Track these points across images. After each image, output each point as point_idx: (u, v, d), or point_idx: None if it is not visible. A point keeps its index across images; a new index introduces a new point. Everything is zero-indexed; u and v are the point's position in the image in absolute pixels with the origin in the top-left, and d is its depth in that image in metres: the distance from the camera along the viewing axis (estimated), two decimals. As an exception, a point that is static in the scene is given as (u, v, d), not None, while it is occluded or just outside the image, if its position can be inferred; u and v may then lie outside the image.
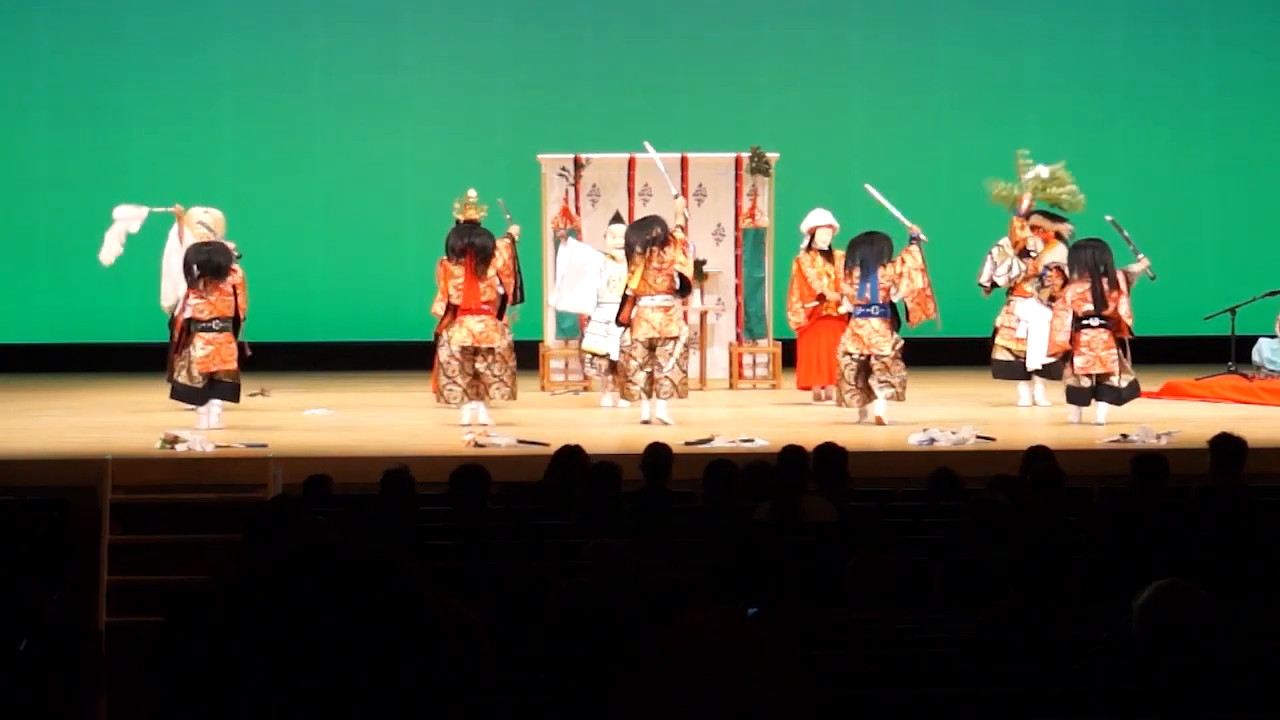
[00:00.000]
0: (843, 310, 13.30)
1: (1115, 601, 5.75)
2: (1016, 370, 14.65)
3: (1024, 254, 14.58)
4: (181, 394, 12.76)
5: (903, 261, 13.01)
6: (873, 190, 13.96)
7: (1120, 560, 7.14)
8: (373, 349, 18.23)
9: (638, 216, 15.68)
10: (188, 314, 12.70)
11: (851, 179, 17.83)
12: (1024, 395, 14.71)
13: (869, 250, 13.05)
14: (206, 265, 12.65)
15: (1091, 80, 19.05)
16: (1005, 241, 14.68)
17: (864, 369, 12.99)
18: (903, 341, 13.04)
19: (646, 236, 13.00)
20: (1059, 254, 14.40)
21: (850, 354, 13.02)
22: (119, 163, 18.46)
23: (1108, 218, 13.87)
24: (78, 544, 10.08)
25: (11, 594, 6.54)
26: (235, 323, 12.78)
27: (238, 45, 18.70)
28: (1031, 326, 14.45)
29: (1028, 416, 14.20)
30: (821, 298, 14.75)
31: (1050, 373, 14.47)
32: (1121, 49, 19.17)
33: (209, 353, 12.61)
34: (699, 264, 15.26)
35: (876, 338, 12.94)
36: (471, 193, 14.49)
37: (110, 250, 14.28)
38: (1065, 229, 14.59)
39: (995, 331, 14.77)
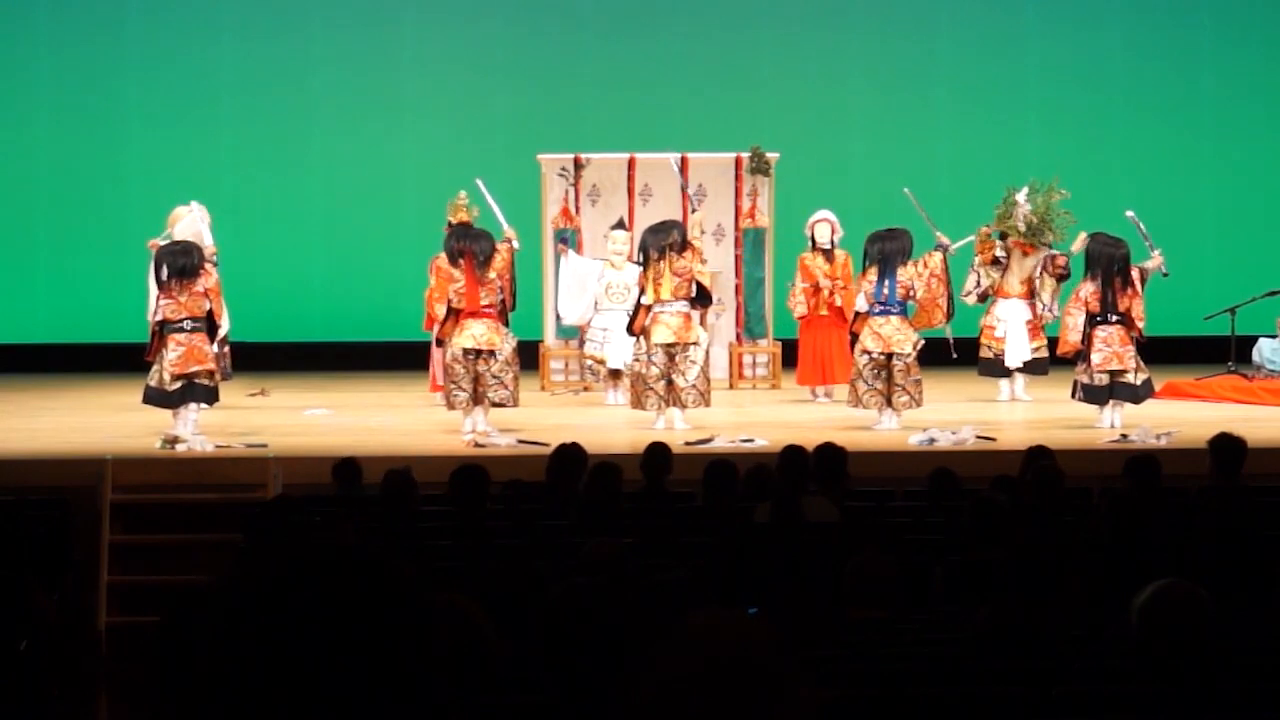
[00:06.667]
0: (858, 308, 13.03)
1: (1115, 601, 5.74)
2: (998, 368, 15.09)
3: (994, 263, 15.07)
4: (153, 398, 12.25)
5: (924, 264, 12.80)
6: (911, 195, 13.97)
7: (1120, 560, 7.14)
8: (373, 349, 18.23)
9: (638, 217, 15.69)
10: (159, 316, 12.24)
11: (852, 179, 17.87)
12: (1004, 390, 15.16)
13: (891, 246, 12.81)
14: (173, 266, 12.25)
15: (1091, 80, 19.05)
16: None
17: (883, 369, 12.71)
18: (923, 342, 12.86)
19: (664, 241, 12.79)
20: (1042, 255, 15.00)
21: (869, 353, 12.70)
22: (119, 163, 18.48)
23: (1128, 213, 13.80)
24: (78, 544, 10.09)
25: (11, 594, 6.54)
26: (210, 327, 12.30)
27: (238, 45, 18.69)
28: (1010, 326, 14.84)
29: (1022, 415, 14.25)
30: (817, 287, 14.83)
31: (1033, 369, 15.00)
32: (1122, 48, 19.16)
33: (180, 354, 12.09)
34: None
35: (898, 336, 12.67)
36: (462, 194, 14.52)
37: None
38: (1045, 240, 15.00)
39: (981, 331, 15.18)
